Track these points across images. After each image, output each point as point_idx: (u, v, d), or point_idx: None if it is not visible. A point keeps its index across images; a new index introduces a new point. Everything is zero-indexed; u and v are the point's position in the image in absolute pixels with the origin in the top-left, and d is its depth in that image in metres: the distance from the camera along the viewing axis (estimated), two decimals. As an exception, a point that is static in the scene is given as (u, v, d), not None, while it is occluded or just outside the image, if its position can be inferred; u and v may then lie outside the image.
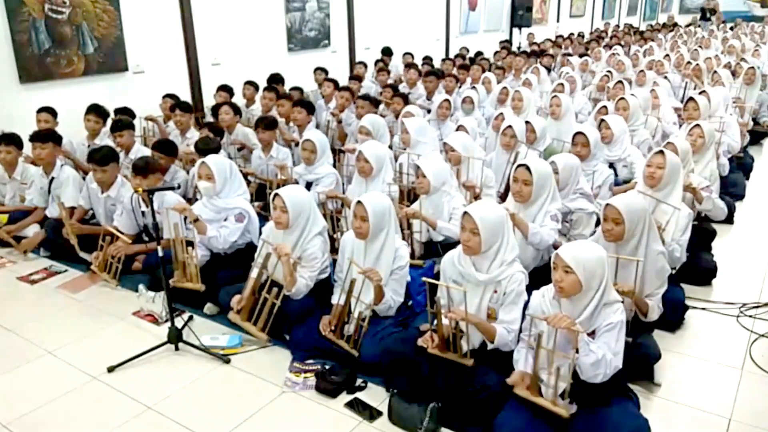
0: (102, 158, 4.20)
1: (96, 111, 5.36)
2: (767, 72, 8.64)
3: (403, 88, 7.60)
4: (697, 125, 4.53)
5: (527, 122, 4.82)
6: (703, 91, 5.96)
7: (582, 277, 2.34)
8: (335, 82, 6.90)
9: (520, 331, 2.65)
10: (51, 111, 5.29)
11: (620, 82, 6.65)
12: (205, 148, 4.47)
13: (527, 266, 2.97)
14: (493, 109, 6.51)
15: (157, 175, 4.03)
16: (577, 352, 2.30)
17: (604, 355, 2.32)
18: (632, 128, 5.33)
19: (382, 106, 6.57)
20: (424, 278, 2.77)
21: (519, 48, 13.06)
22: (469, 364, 2.61)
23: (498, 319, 2.67)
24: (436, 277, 2.88)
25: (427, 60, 9.61)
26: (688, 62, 8.33)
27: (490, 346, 2.60)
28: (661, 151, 3.59)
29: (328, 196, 4.21)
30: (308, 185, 4.45)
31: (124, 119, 5.23)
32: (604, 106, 5.63)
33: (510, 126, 4.63)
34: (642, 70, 7.53)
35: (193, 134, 5.56)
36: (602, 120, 4.83)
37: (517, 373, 2.50)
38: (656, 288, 3.01)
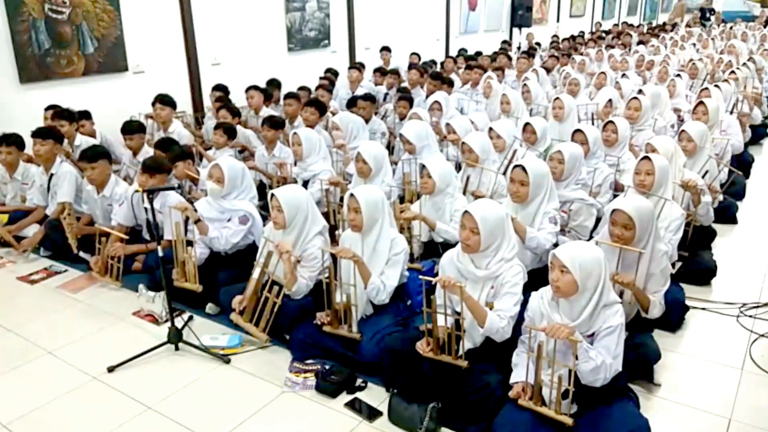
0: (92, 155, 4.23)
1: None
2: None
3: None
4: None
5: (527, 123, 4.80)
6: (712, 87, 5.90)
7: (578, 277, 2.34)
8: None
9: (520, 333, 2.65)
10: (65, 116, 5.14)
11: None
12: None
13: (526, 267, 2.96)
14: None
15: (164, 176, 4.06)
16: (576, 358, 2.30)
17: (603, 361, 2.32)
18: (639, 128, 5.31)
19: (387, 106, 6.57)
20: (420, 276, 2.77)
21: (519, 48, 13.05)
22: (464, 365, 2.59)
23: (493, 309, 2.66)
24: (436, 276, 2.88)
25: (430, 64, 9.57)
26: (691, 60, 8.33)
27: (481, 332, 2.58)
28: (647, 157, 3.52)
29: (331, 182, 4.24)
30: (305, 184, 4.45)
31: (135, 122, 5.17)
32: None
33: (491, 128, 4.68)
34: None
35: (175, 128, 5.47)
36: (609, 122, 4.73)
37: (519, 385, 2.49)
38: (660, 286, 3.00)
